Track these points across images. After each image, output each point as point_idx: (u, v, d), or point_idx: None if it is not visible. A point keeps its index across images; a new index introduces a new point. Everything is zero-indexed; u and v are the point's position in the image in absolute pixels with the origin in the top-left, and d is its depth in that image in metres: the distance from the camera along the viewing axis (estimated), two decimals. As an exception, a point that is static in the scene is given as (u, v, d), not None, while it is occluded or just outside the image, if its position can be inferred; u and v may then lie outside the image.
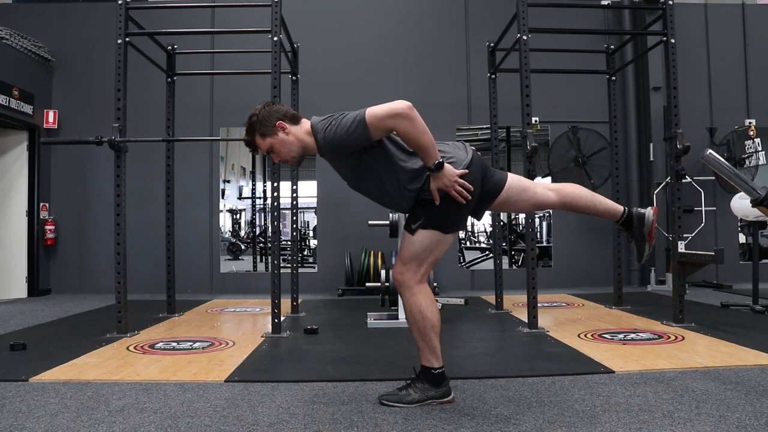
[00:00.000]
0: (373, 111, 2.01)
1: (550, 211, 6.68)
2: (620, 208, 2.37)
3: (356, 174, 2.21)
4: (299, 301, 4.90)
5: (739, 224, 6.67)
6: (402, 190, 2.15)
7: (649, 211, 2.34)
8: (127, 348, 3.31)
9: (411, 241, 2.18)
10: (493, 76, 4.96)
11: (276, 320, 3.68)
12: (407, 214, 2.25)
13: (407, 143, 2.07)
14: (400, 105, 1.99)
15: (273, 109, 2.21)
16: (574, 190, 2.36)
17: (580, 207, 2.35)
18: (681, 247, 3.91)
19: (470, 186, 2.11)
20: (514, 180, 2.32)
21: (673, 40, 3.95)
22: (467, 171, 2.12)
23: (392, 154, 2.13)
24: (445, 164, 2.07)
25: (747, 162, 6.36)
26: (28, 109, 6.08)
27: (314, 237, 7.30)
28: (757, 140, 6.30)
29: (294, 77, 4.97)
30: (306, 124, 2.21)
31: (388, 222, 4.18)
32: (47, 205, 6.43)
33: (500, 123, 5.05)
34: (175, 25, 5.07)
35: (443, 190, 2.09)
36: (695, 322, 3.81)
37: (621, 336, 3.50)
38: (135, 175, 5.49)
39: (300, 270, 5.19)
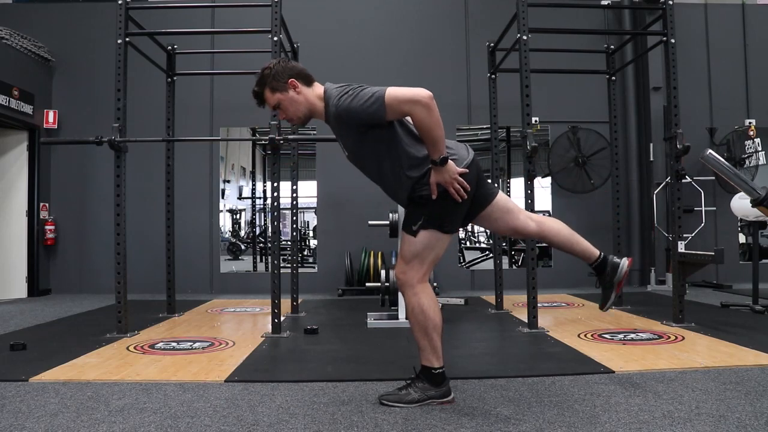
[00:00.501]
0: (394, 92, 2.00)
1: (550, 210, 6.68)
2: (596, 252, 2.37)
3: (358, 149, 2.20)
4: (299, 301, 4.90)
5: (739, 224, 6.67)
6: (401, 176, 2.15)
7: (624, 262, 2.35)
8: (127, 348, 3.31)
9: (411, 240, 2.18)
10: (493, 76, 4.96)
11: (276, 320, 3.68)
12: (406, 214, 2.25)
13: (419, 132, 2.07)
14: (422, 93, 2.00)
15: (288, 66, 2.21)
16: (555, 226, 2.37)
17: (557, 242, 2.36)
18: (681, 247, 3.91)
19: (468, 186, 2.12)
20: (502, 198, 2.34)
21: (673, 40, 3.95)
22: (467, 170, 2.13)
23: (400, 137, 2.13)
24: (449, 160, 2.07)
25: (747, 162, 6.36)
26: (28, 109, 6.08)
27: (314, 237, 7.30)
28: (757, 140, 6.31)
29: (294, 77, 4.96)
30: (319, 88, 2.20)
31: (388, 222, 4.17)
32: (47, 205, 6.43)
33: (500, 123, 5.05)
34: (175, 25, 5.06)
35: (442, 186, 2.10)
36: (695, 322, 3.81)
37: (621, 336, 3.50)
38: (135, 175, 5.49)
39: (300, 270, 5.18)
